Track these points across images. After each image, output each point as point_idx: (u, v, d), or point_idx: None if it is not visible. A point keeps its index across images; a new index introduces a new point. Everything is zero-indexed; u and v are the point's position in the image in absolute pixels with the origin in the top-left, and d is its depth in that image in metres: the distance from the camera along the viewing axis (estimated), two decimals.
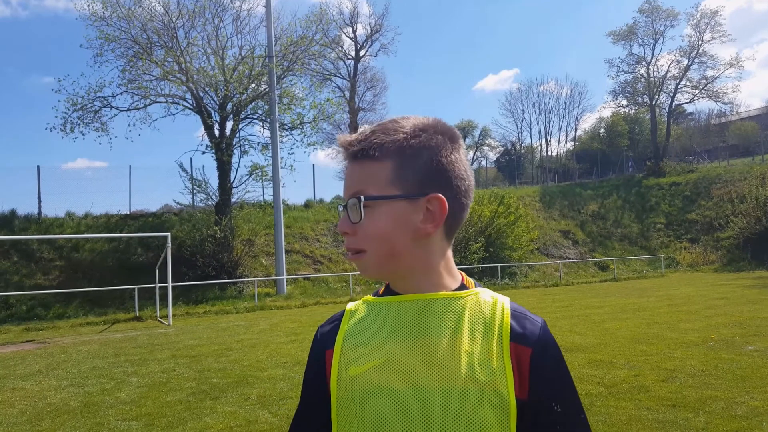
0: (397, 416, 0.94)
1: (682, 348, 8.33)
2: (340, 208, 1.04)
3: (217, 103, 22.94)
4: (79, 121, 21.86)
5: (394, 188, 0.98)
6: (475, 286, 1.07)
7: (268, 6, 23.55)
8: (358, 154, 1.00)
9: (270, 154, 23.37)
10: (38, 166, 23.29)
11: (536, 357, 0.98)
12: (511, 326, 1.00)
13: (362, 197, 0.98)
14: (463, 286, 1.06)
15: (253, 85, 23.08)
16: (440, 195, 0.99)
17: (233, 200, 23.53)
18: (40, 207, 23.05)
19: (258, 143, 24.31)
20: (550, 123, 62.27)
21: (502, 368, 0.96)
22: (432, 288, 1.03)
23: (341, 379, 1.02)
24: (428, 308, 1.01)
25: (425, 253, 1.02)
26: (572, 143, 59.38)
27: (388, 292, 1.09)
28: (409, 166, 0.99)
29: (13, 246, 20.12)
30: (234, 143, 23.35)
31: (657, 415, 5.15)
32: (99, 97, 21.94)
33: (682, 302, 14.81)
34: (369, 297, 1.12)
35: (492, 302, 1.04)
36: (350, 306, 1.14)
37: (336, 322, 1.11)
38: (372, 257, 1.01)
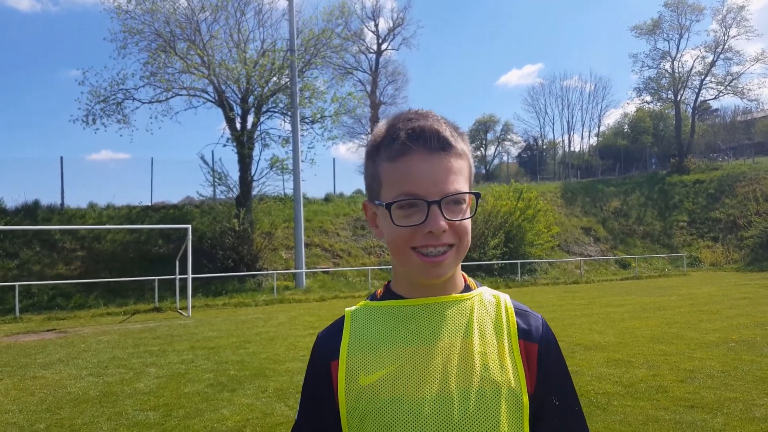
0: (415, 425, 0.92)
1: (702, 348, 8.21)
2: (412, 203, 0.95)
3: (239, 96, 23.11)
4: (101, 113, 22.21)
5: (467, 185, 1.00)
6: (477, 286, 1.09)
7: None
8: (451, 147, 0.97)
9: (290, 148, 23.49)
10: (61, 158, 23.72)
11: (542, 352, 1.02)
12: (517, 324, 1.02)
13: (480, 193, 1.00)
14: (467, 287, 1.07)
15: (275, 78, 23.18)
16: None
17: (253, 193, 23.70)
18: (63, 197, 23.50)
19: (279, 136, 24.49)
20: (573, 118, 61.77)
21: (514, 366, 0.98)
22: (451, 289, 1.03)
23: (350, 390, 0.98)
24: (438, 311, 1.01)
25: None
26: (595, 139, 58.71)
27: (390, 294, 1.07)
28: (471, 164, 1.03)
29: (35, 236, 20.52)
30: (255, 136, 23.52)
31: (674, 416, 5.08)
32: (122, 89, 22.27)
33: (703, 302, 14.59)
34: (368, 301, 1.09)
35: (495, 301, 1.05)
36: (349, 310, 1.10)
37: (337, 330, 1.07)
38: (458, 253, 0.99)
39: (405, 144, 0.95)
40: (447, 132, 0.97)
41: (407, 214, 0.95)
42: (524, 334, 1.02)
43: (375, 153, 1.01)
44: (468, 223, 0.98)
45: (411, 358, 0.97)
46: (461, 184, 0.97)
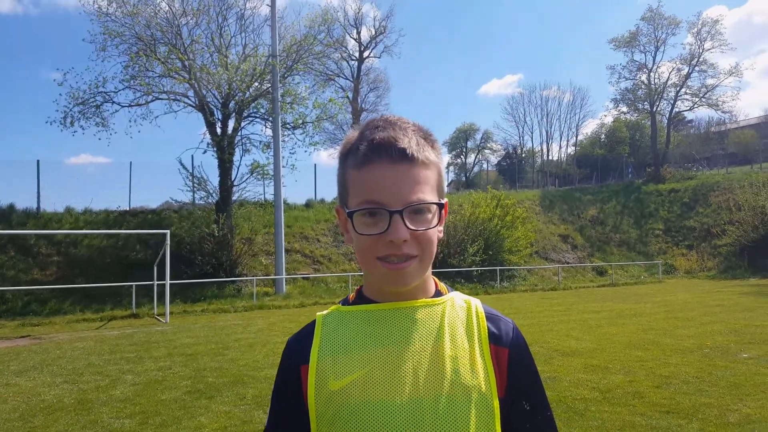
0: (385, 430, 0.92)
1: (678, 354, 8.34)
2: (375, 212, 0.95)
3: (220, 101, 22.98)
4: (79, 116, 21.87)
5: (435, 194, 0.99)
6: (448, 291, 1.09)
7: (272, 5, 23.63)
8: (414, 158, 0.96)
9: (271, 153, 23.44)
10: (38, 161, 23.36)
11: (512, 357, 1.02)
12: (488, 328, 1.03)
13: (443, 203, 0.99)
14: (438, 292, 1.07)
15: (256, 83, 23.10)
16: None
17: (233, 199, 23.53)
18: (39, 202, 23.08)
19: (260, 142, 24.41)
20: (551, 128, 62.27)
21: (485, 370, 0.98)
22: (421, 294, 1.03)
23: (320, 395, 0.98)
24: (409, 316, 1.00)
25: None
26: (573, 148, 59.47)
27: (361, 299, 1.07)
28: (441, 173, 1.02)
29: (10, 240, 20.13)
30: (236, 141, 23.38)
31: (651, 421, 5.16)
32: (101, 92, 21.98)
33: (678, 309, 14.83)
34: (340, 306, 1.09)
35: (466, 306, 1.06)
36: (320, 314, 1.09)
37: (308, 334, 1.06)
38: (423, 263, 0.98)
39: (367, 153, 0.95)
40: (411, 142, 0.95)
41: (370, 223, 0.95)
42: (495, 339, 1.02)
43: (344, 159, 1.02)
44: (432, 233, 0.97)
45: (381, 362, 0.96)
46: (426, 193, 0.96)
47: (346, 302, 1.09)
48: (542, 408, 1.04)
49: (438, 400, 0.94)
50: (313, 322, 1.08)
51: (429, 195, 0.96)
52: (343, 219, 1.04)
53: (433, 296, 1.05)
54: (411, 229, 0.94)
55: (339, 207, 1.06)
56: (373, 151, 0.95)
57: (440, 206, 0.99)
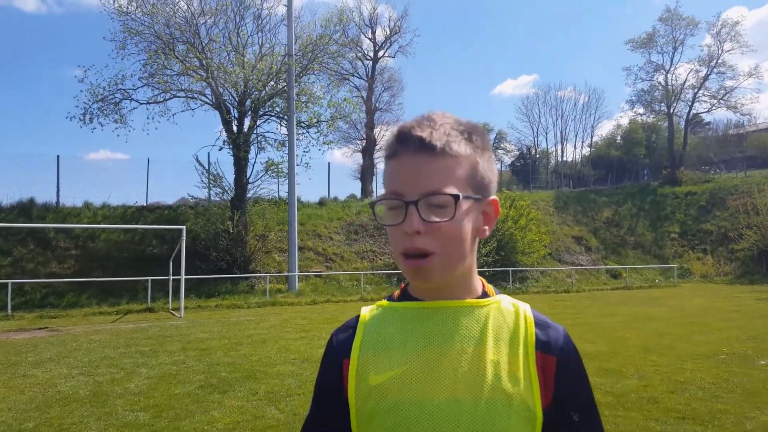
0: (422, 428, 0.91)
1: (693, 360, 8.25)
2: (396, 203, 0.94)
3: (236, 99, 23.13)
4: (98, 112, 22.13)
5: (468, 188, 0.96)
6: (496, 293, 1.05)
7: (289, 5, 23.72)
8: (435, 148, 0.93)
9: (286, 151, 23.53)
10: (58, 156, 23.68)
11: (561, 365, 0.98)
12: (536, 335, 0.99)
13: (460, 195, 0.93)
14: (485, 294, 1.04)
15: (272, 82, 23.22)
16: (497, 198, 1.01)
17: (248, 196, 23.69)
18: (58, 196, 23.42)
19: (275, 140, 24.53)
20: (566, 129, 62.00)
21: (528, 379, 0.95)
22: (465, 294, 1.01)
23: (360, 389, 0.98)
24: (452, 316, 0.98)
25: (473, 257, 1.02)
26: (588, 149, 59.01)
27: (406, 296, 1.06)
28: (482, 166, 0.98)
29: (30, 234, 20.42)
30: (251, 139, 23.55)
31: (665, 427, 5.11)
32: (120, 89, 22.22)
33: (694, 313, 14.67)
34: (384, 302, 1.08)
35: (514, 310, 1.03)
36: (365, 311, 1.09)
37: (351, 328, 1.06)
38: (444, 260, 0.94)
39: (392, 145, 0.96)
40: (434, 133, 0.93)
41: (390, 215, 0.95)
42: (542, 346, 0.99)
43: (383, 152, 1.02)
44: (453, 228, 0.93)
45: (420, 361, 0.95)
46: (448, 185, 0.92)
47: (390, 299, 1.08)
48: (592, 420, 1.01)
49: (477, 403, 0.92)
50: (357, 318, 1.08)
51: (451, 187, 0.93)
52: None
53: (479, 297, 1.02)
54: (425, 221, 0.91)
55: None
56: (398, 142, 0.95)
57: (456, 198, 0.93)
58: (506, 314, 1.01)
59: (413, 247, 0.92)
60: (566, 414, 0.98)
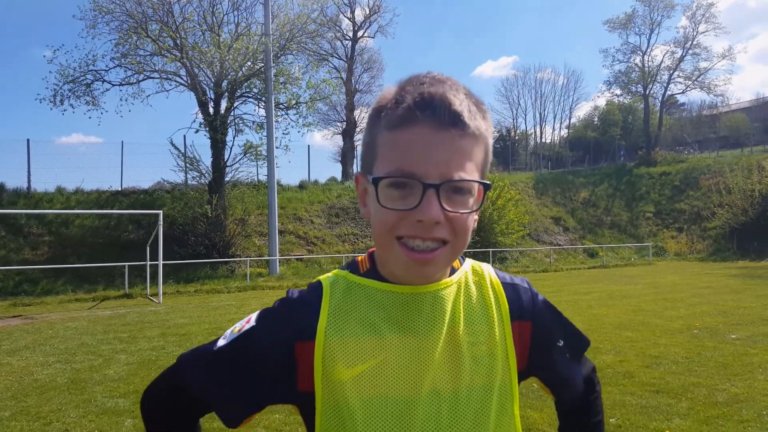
0: (401, 425, 0.84)
1: (667, 335, 8.44)
2: (407, 182, 0.80)
3: (212, 80, 22.76)
4: (69, 94, 21.63)
5: (482, 173, 0.86)
6: (461, 263, 0.97)
7: None
8: (467, 126, 0.80)
9: (265, 134, 23.27)
10: (28, 140, 23.15)
11: (536, 327, 0.98)
12: (509, 304, 0.95)
13: (489, 184, 0.86)
14: (453, 269, 0.95)
15: (249, 63, 22.87)
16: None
17: (226, 179, 23.44)
18: (29, 181, 22.93)
19: (253, 122, 24.22)
20: (545, 110, 62.27)
21: (504, 352, 0.92)
22: (441, 277, 0.91)
23: (328, 380, 0.86)
24: (429, 302, 0.89)
25: None
26: (566, 131, 59.52)
27: (374, 273, 0.93)
28: (489, 151, 0.88)
29: (1, 220, 19.98)
30: (228, 122, 23.21)
31: (640, 401, 5.23)
32: (92, 70, 21.71)
33: (668, 290, 14.97)
34: (347, 273, 0.95)
35: (480, 278, 0.97)
36: (327, 283, 0.94)
37: (312, 305, 0.91)
38: (449, 254, 0.84)
39: (410, 110, 0.79)
40: (463, 105, 0.80)
41: (398, 196, 0.80)
42: (517, 314, 0.95)
43: (375, 118, 0.85)
44: (469, 219, 0.83)
45: (395, 351, 0.87)
46: (470, 171, 0.81)
47: (355, 269, 0.96)
48: (574, 334, 1.07)
49: (457, 393, 0.87)
50: (317, 290, 0.93)
51: (473, 173, 0.82)
52: (362, 188, 0.91)
53: (450, 275, 0.93)
54: (446, 210, 0.79)
55: (360, 174, 0.91)
56: (419, 109, 0.79)
57: (486, 187, 0.85)
58: (474, 286, 0.95)
59: (429, 237, 0.80)
60: (551, 345, 1.00)
